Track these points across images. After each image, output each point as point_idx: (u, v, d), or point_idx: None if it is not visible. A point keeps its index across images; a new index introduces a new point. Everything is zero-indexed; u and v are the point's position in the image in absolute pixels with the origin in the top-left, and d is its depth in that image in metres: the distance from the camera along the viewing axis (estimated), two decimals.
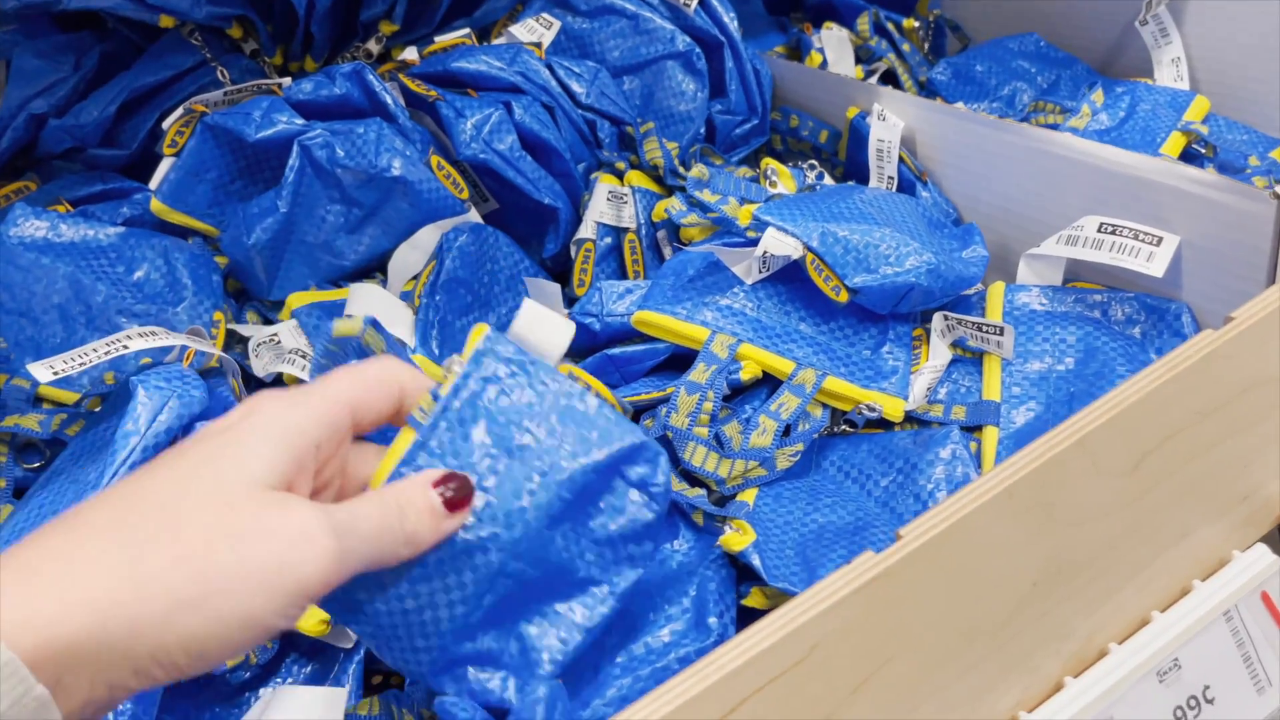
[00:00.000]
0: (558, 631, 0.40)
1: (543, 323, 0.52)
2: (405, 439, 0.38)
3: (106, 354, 0.48)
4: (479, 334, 0.40)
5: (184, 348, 0.50)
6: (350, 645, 0.53)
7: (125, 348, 0.48)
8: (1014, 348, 0.58)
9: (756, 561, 0.47)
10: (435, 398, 0.38)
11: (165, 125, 0.63)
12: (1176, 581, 0.52)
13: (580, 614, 0.40)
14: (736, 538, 0.48)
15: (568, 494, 0.39)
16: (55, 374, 0.47)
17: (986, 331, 0.58)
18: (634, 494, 0.40)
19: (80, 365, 0.47)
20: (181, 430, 0.46)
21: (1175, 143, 0.79)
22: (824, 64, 0.88)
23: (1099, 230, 0.58)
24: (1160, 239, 0.56)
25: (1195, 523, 0.52)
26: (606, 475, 0.40)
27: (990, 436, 0.56)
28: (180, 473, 0.32)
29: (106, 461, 0.45)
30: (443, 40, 0.71)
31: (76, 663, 0.29)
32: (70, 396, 0.58)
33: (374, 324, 0.40)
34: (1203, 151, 0.81)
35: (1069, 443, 0.44)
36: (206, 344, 0.52)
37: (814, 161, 0.72)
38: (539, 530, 0.38)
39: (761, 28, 0.98)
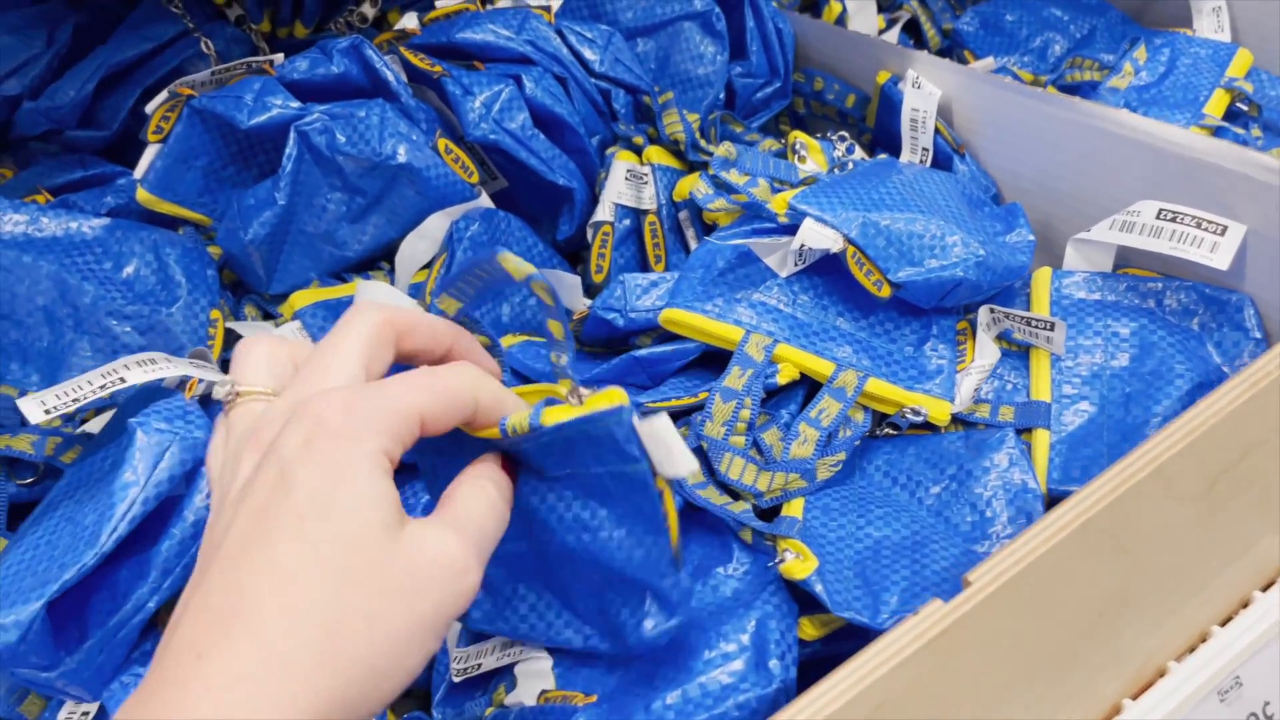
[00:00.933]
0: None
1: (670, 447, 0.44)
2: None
3: (102, 388, 0.44)
4: (616, 398, 0.36)
5: (186, 376, 0.47)
6: None
7: (122, 380, 0.44)
8: (1066, 342, 0.55)
9: (820, 589, 0.44)
10: (533, 427, 0.36)
11: (149, 110, 0.58)
12: (1238, 593, 0.50)
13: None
14: (799, 565, 0.45)
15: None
16: (48, 411, 0.43)
17: (1036, 326, 0.55)
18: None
19: (75, 402, 0.44)
20: (184, 476, 0.43)
21: (1219, 101, 0.75)
22: (844, 13, 0.83)
23: (1158, 217, 0.54)
24: (1225, 228, 0.52)
25: (1259, 533, 0.50)
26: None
27: (1041, 440, 0.53)
28: (306, 533, 0.31)
29: (105, 514, 0.42)
30: (444, 6, 0.66)
31: None
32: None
33: (544, 279, 0.36)
34: (1246, 110, 0.77)
35: (1145, 473, 0.41)
36: (211, 370, 0.48)
37: (844, 133, 0.68)
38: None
39: None
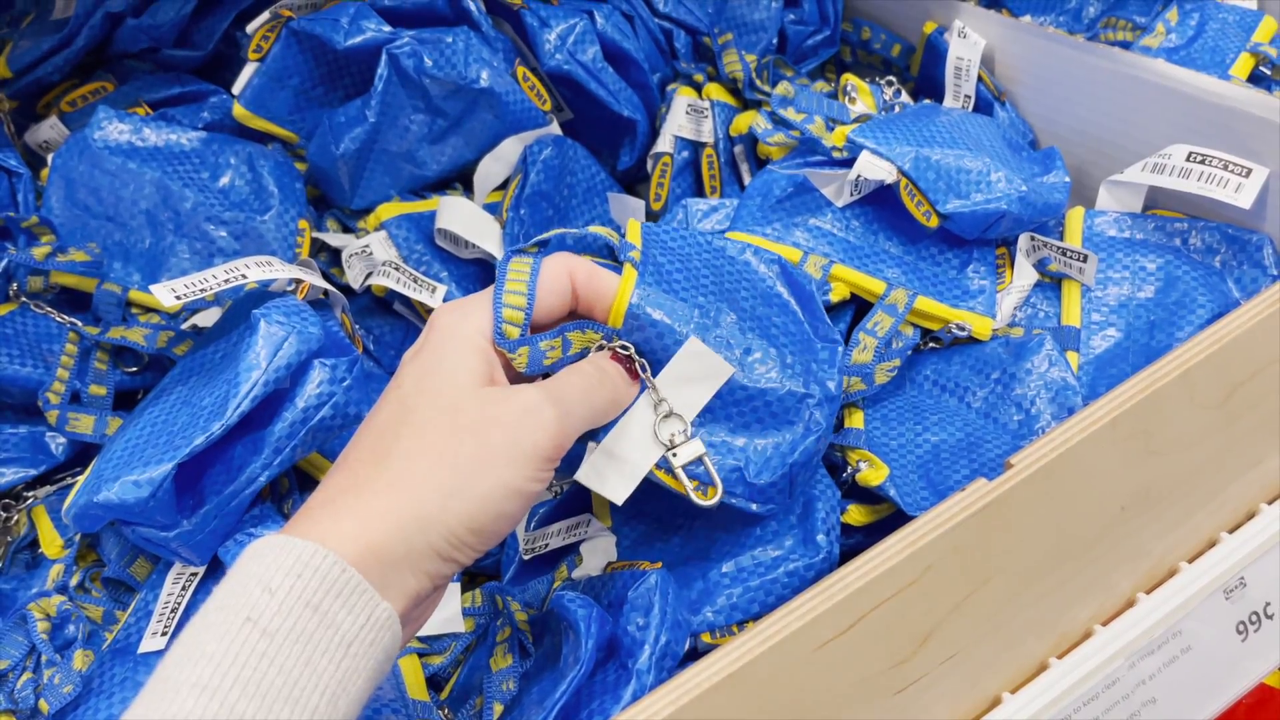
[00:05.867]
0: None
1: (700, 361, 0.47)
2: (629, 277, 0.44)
3: (226, 282, 0.48)
4: (636, 227, 0.45)
5: (295, 280, 0.51)
6: None
7: (244, 277, 0.49)
8: (1094, 275, 0.59)
9: (894, 494, 0.49)
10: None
11: (250, 30, 0.62)
12: (1245, 505, 0.55)
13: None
14: (873, 473, 0.50)
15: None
16: (178, 298, 0.47)
17: (1070, 257, 0.59)
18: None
19: (201, 292, 0.48)
20: (297, 368, 0.48)
21: (1244, 64, 0.79)
22: None
23: (1188, 159, 0.59)
24: (1250, 170, 0.57)
25: (1267, 450, 0.54)
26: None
27: (1071, 361, 0.57)
28: (404, 402, 0.38)
29: (229, 393, 0.47)
30: None
31: (392, 562, 0.35)
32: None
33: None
34: (1269, 74, 0.80)
35: (1173, 376, 0.46)
36: (317, 276, 0.53)
37: (891, 78, 0.71)
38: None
39: None
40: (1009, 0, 0.89)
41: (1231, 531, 0.54)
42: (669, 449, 0.43)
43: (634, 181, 0.73)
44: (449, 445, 0.36)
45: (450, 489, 0.36)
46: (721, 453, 0.44)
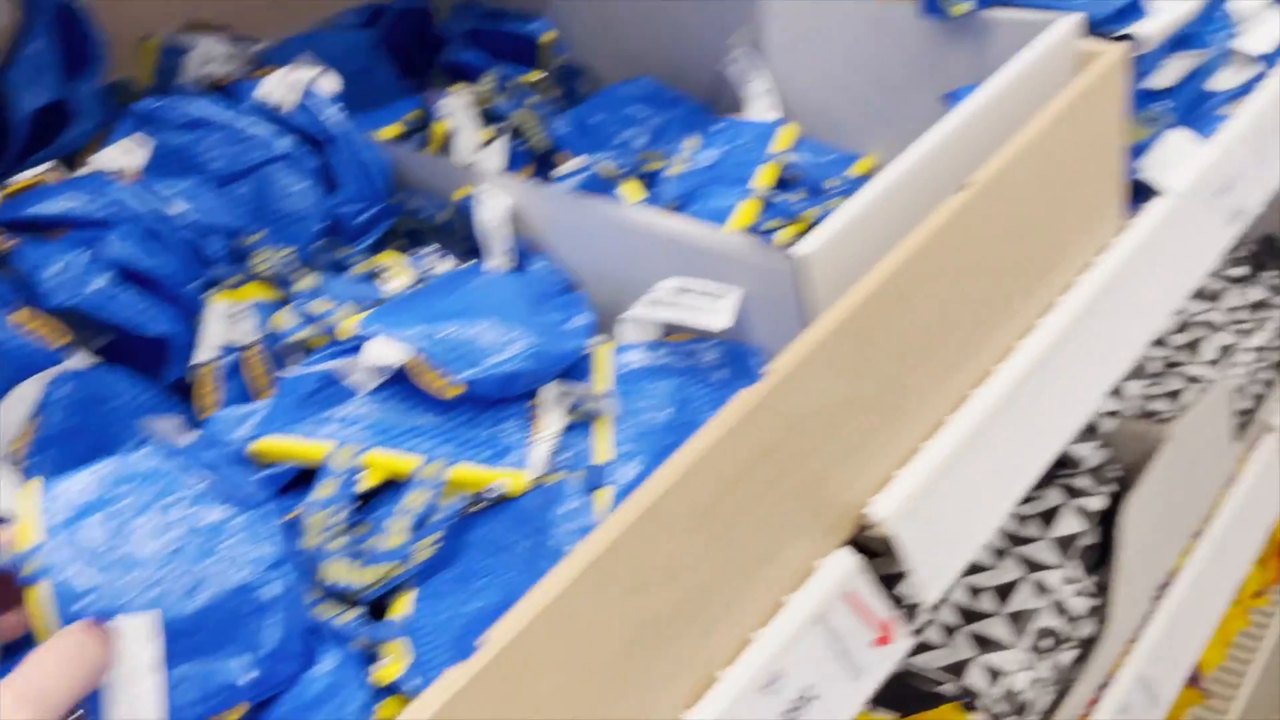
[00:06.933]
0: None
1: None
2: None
3: None
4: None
5: None
6: None
7: None
8: (622, 406, 0.64)
9: (410, 688, 0.49)
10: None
11: None
12: (770, 599, 0.60)
13: None
14: (386, 670, 0.50)
15: None
16: None
17: (595, 395, 0.63)
18: None
19: None
20: None
21: (769, 172, 0.89)
22: (450, 131, 0.91)
23: (676, 291, 0.65)
24: (724, 295, 0.63)
25: (778, 546, 0.59)
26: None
27: (607, 494, 0.61)
28: None
29: None
30: (21, 180, 0.68)
31: None
32: None
33: None
34: (792, 178, 0.90)
35: (635, 516, 0.50)
36: None
37: (437, 244, 0.75)
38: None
39: (390, 97, 1.00)
40: (567, 143, 0.96)
41: (763, 627, 0.59)
42: None
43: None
44: None
45: None
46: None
